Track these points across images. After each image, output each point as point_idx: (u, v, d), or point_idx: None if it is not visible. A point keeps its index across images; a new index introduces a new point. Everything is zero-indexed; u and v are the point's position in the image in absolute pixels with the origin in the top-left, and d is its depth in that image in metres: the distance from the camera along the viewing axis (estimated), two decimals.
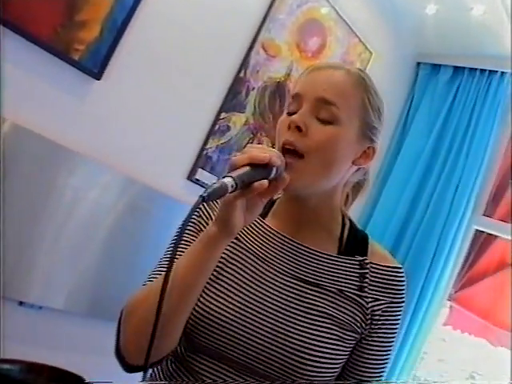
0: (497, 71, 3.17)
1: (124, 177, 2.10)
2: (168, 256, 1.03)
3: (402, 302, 1.06)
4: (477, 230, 3.24)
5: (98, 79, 1.97)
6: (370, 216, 3.26)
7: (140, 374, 0.87)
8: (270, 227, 1.06)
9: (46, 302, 1.99)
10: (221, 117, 2.42)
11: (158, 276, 0.99)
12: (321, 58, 2.81)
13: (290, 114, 1.00)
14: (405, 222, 3.17)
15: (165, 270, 0.80)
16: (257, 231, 1.06)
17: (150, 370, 1.06)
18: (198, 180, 2.39)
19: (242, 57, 2.46)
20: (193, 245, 0.93)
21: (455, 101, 3.29)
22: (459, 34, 3.14)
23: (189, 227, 1.05)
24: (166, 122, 2.24)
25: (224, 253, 1.01)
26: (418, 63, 3.54)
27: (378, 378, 1.04)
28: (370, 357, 1.03)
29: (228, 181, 0.79)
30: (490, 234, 3.33)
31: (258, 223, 1.07)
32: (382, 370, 1.05)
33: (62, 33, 1.84)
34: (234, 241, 1.03)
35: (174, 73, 2.22)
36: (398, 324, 1.05)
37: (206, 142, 2.39)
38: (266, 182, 0.84)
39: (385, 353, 1.04)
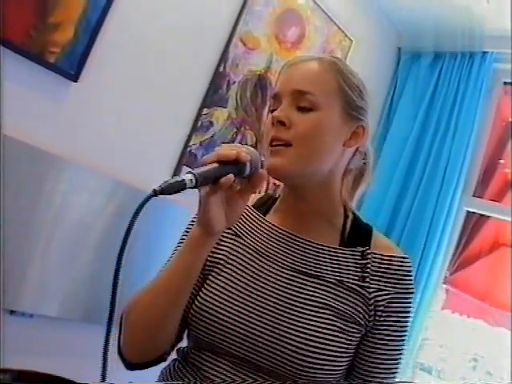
0: (478, 51, 3.15)
1: (110, 179, 2.08)
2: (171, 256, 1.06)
3: (409, 293, 1.03)
4: (468, 212, 3.23)
5: (76, 81, 1.95)
6: (360, 203, 3.26)
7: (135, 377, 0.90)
8: (270, 223, 1.08)
9: (39, 309, 1.97)
10: (203, 112, 2.40)
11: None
12: (301, 49, 2.79)
13: (272, 112, 1.03)
14: (395, 208, 3.17)
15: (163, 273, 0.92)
16: (257, 228, 1.08)
17: (160, 371, 1.09)
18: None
19: (220, 51, 2.44)
20: (179, 248, 0.97)
21: (439, 83, 3.28)
22: (438, 15, 3.14)
23: (183, 236, 1.09)
24: (148, 121, 2.22)
25: (225, 250, 1.05)
26: (399, 48, 3.53)
27: (388, 377, 1.00)
28: (378, 351, 1.00)
29: (188, 177, 0.81)
30: (481, 215, 3.34)
31: (259, 220, 1.09)
32: (393, 367, 1.01)
33: (36, 36, 1.82)
34: (235, 238, 1.06)
35: (152, 70, 2.20)
36: (407, 318, 1.02)
37: (189, 139, 2.38)
38: (231, 176, 0.86)
39: (394, 348, 1.01)
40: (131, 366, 0.98)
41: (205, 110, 2.41)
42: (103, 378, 0.77)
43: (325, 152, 1.01)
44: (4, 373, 0.67)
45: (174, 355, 1.09)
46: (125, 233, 0.80)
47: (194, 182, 0.82)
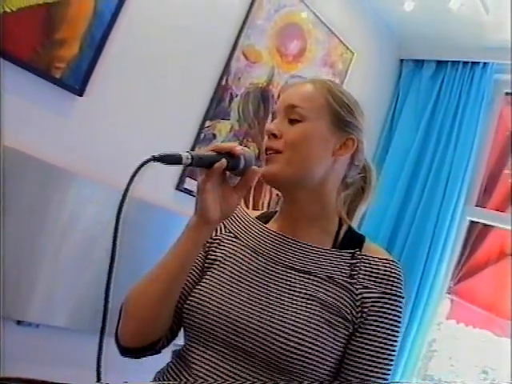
0: (479, 62, 3.19)
1: (115, 191, 2.11)
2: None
3: (397, 295, 1.05)
4: (471, 221, 3.25)
5: (81, 95, 2.00)
6: (363, 214, 3.27)
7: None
8: (268, 229, 1.16)
9: (46, 319, 2.00)
10: (206, 125, 2.45)
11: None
12: (302, 62, 2.84)
13: None
14: (398, 219, 3.19)
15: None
16: (256, 232, 1.16)
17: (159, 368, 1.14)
18: (186, 189, 2.41)
19: (223, 65, 2.49)
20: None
21: (440, 94, 3.32)
22: (439, 27, 3.18)
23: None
24: (152, 134, 2.26)
25: (224, 249, 1.14)
26: (401, 60, 3.58)
27: (377, 378, 1.02)
28: (366, 352, 1.02)
29: (184, 154, 0.91)
30: (485, 225, 3.35)
31: (259, 226, 1.18)
32: (382, 369, 1.02)
33: (42, 52, 1.87)
34: (234, 239, 1.15)
35: (155, 84, 2.25)
36: (395, 320, 1.04)
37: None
38: (224, 161, 0.96)
39: (382, 348, 1.02)
40: (126, 350, 1.06)
41: (208, 123, 2.46)
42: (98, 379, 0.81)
43: (313, 158, 1.09)
44: (13, 382, 0.68)
45: (168, 358, 1.13)
46: (120, 200, 0.92)
47: (189, 159, 0.91)
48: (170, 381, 1.05)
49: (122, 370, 1.09)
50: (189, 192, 2.42)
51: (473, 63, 3.23)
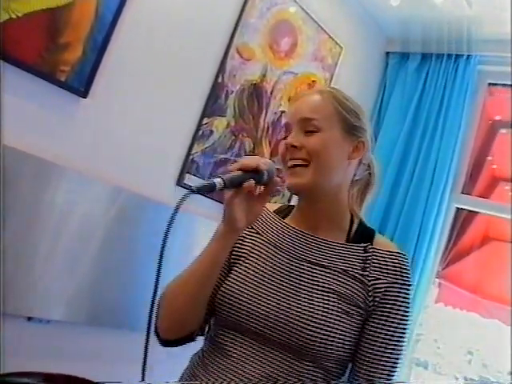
0: (463, 54, 3.27)
1: (118, 188, 2.18)
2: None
3: (406, 284, 1.17)
4: (457, 208, 3.34)
5: (85, 97, 2.06)
6: None
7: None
8: (287, 224, 1.27)
9: (45, 314, 2.04)
10: (203, 122, 2.52)
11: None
12: (294, 57, 2.92)
13: (284, 139, 1.23)
14: (387, 207, 3.26)
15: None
16: (276, 228, 1.27)
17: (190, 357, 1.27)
18: (186, 185, 2.49)
19: (218, 63, 2.56)
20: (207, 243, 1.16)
21: (426, 86, 3.40)
22: (424, 21, 3.27)
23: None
24: (152, 132, 2.33)
25: (248, 245, 1.24)
26: (387, 53, 3.66)
27: (388, 363, 1.12)
28: (377, 335, 1.13)
29: (217, 180, 1.01)
30: (470, 211, 3.46)
31: (278, 222, 1.29)
32: (394, 350, 1.13)
33: (47, 56, 1.93)
34: (257, 235, 1.26)
35: (155, 84, 2.32)
36: (405, 306, 1.15)
37: (191, 148, 2.49)
38: (252, 181, 1.05)
39: (392, 333, 1.13)
40: (165, 342, 1.18)
41: (205, 120, 2.53)
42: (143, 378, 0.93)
43: (334, 164, 1.20)
44: (29, 376, 0.74)
45: (201, 344, 1.25)
46: (166, 229, 0.97)
47: (222, 184, 1.01)
48: (207, 364, 1.17)
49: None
50: (189, 188, 2.49)
51: (457, 55, 3.30)
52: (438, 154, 3.20)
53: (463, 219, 3.53)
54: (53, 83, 1.96)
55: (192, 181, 2.50)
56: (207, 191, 1.00)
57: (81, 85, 2.03)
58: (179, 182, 2.47)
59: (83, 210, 2.08)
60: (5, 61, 1.81)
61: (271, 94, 2.85)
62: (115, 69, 2.14)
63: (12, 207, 1.85)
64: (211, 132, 2.57)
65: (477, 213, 3.51)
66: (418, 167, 3.25)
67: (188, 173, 2.49)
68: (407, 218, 3.18)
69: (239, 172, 1.06)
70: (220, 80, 2.57)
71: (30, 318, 2.00)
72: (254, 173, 1.07)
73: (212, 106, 2.55)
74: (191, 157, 2.49)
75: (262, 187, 1.12)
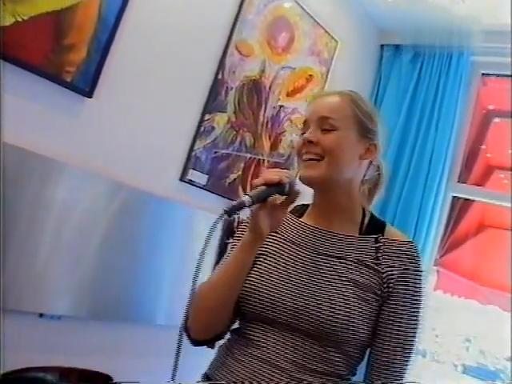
0: (456, 46, 3.29)
1: (122, 184, 2.23)
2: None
3: (417, 270, 1.26)
4: (454, 197, 3.40)
5: (90, 97, 2.10)
6: None
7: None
8: (303, 222, 1.36)
9: (48, 309, 2.05)
10: (205, 118, 2.57)
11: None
12: (291, 52, 2.97)
13: (302, 135, 1.32)
14: (385, 198, 3.30)
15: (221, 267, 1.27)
16: (293, 226, 1.36)
17: (218, 344, 1.36)
18: (190, 180, 2.55)
19: (218, 60, 2.61)
20: (234, 249, 1.27)
21: (420, 77, 3.45)
22: (418, 14, 3.32)
23: (234, 240, 1.39)
24: (156, 129, 2.38)
25: (268, 244, 1.32)
26: (382, 45, 3.71)
27: (406, 342, 1.21)
28: (393, 318, 1.21)
29: (246, 198, 1.10)
30: (466, 199, 3.52)
31: (295, 221, 1.37)
32: (408, 333, 1.21)
33: (53, 57, 1.97)
34: (275, 234, 1.34)
35: (158, 82, 2.37)
36: (417, 290, 1.24)
37: (193, 144, 2.54)
38: (277, 196, 1.18)
39: (406, 316, 1.22)
40: (195, 342, 1.27)
41: (207, 116, 2.58)
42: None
43: (346, 162, 1.28)
44: (45, 370, 0.79)
45: (227, 335, 1.33)
46: (202, 248, 1.05)
47: (250, 201, 1.10)
48: (235, 353, 1.25)
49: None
50: (192, 183, 2.56)
51: (450, 47, 3.33)
52: (434, 144, 3.25)
53: (459, 207, 3.60)
54: (59, 84, 2.01)
55: (195, 176, 2.55)
56: (237, 209, 1.08)
57: (86, 85, 2.08)
58: (182, 178, 2.52)
59: (87, 206, 2.12)
60: (12, 63, 1.86)
61: (270, 89, 2.90)
62: (118, 68, 2.18)
63: (14, 203, 1.88)
64: (213, 128, 2.62)
65: (473, 201, 3.57)
66: (414, 158, 3.30)
67: (192, 168, 2.54)
68: (405, 207, 3.24)
69: (263, 187, 1.15)
70: (220, 77, 2.61)
71: (41, 315, 2.03)
72: (277, 186, 1.16)
73: (213, 102, 2.60)
74: (194, 152, 2.54)
75: (284, 197, 1.21)
